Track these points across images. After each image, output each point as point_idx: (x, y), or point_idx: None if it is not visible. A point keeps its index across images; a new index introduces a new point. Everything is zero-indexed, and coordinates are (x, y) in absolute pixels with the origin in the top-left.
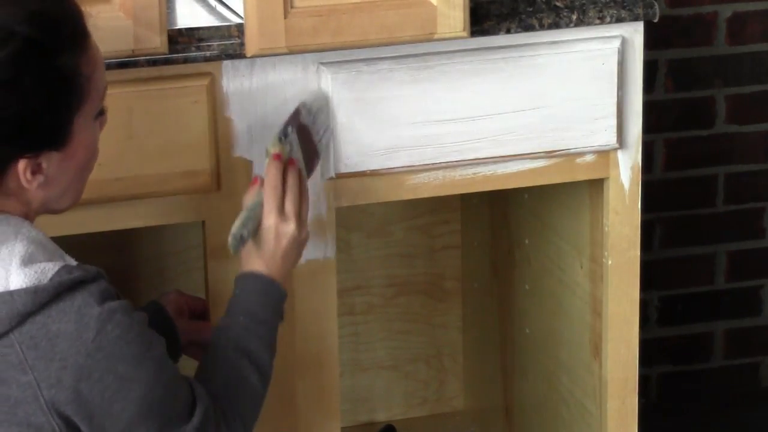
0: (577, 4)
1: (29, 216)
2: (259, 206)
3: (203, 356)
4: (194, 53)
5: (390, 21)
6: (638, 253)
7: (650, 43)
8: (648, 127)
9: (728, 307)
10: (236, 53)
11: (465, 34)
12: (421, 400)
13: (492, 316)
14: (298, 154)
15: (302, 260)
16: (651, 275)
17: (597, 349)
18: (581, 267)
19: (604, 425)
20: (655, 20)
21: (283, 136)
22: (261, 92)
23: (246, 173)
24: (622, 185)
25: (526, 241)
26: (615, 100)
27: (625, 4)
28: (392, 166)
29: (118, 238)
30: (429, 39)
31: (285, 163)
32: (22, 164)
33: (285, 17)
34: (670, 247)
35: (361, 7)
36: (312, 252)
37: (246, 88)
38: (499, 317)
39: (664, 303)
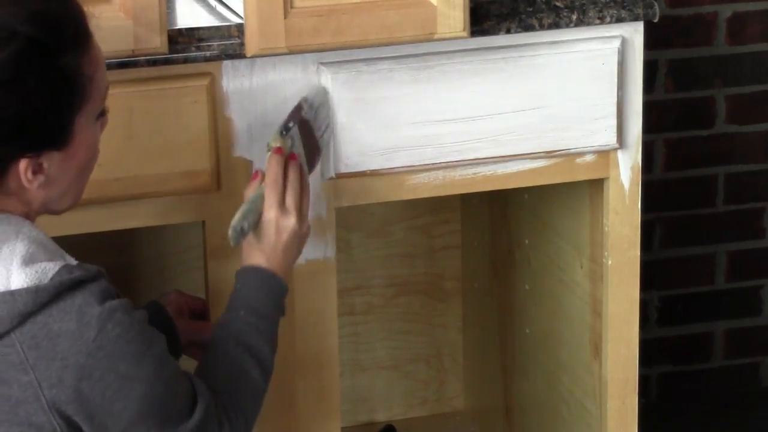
0: (577, 4)
1: (30, 216)
2: (259, 199)
3: (204, 352)
4: (194, 53)
5: (390, 21)
6: (638, 253)
7: (650, 43)
8: (648, 127)
9: (728, 307)
10: (236, 53)
11: (465, 34)
12: (421, 400)
13: (492, 316)
14: (299, 149)
15: (302, 260)
16: (651, 275)
17: (597, 349)
18: (581, 267)
19: (604, 425)
20: (655, 20)
21: (285, 130)
22: (261, 92)
23: (246, 173)
24: (622, 185)
25: (526, 241)
26: (615, 100)
27: (625, 4)
28: (392, 166)
29: (118, 238)
30: (429, 39)
31: (286, 158)
32: (23, 164)
33: (285, 17)
34: (670, 247)
35: (361, 7)
36: (312, 252)
37: (246, 88)
38: (499, 317)
39: (664, 303)
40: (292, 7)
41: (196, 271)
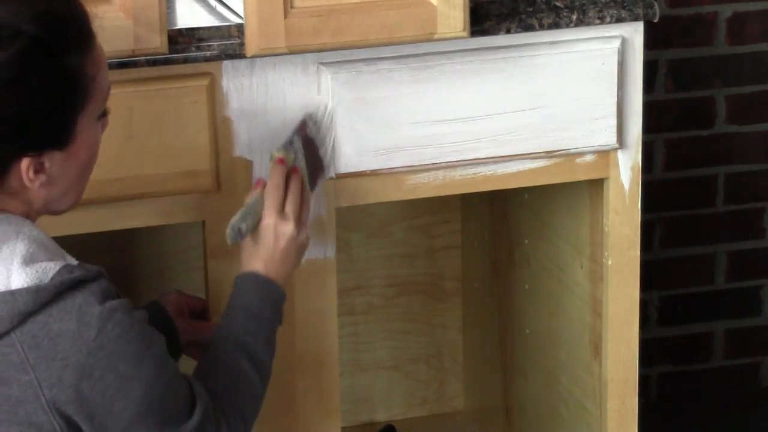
0: (577, 4)
1: (31, 216)
2: (259, 203)
3: (203, 354)
4: (194, 53)
5: (390, 21)
6: (638, 253)
7: (650, 43)
8: (648, 127)
9: (728, 307)
10: (236, 53)
11: (465, 34)
12: (421, 400)
13: (492, 316)
14: (302, 164)
15: (302, 260)
16: (651, 275)
17: (597, 349)
18: (581, 267)
19: (604, 425)
20: (655, 20)
21: (289, 144)
22: (261, 92)
23: (246, 173)
24: (622, 185)
25: (526, 241)
26: (615, 100)
27: (625, 4)
28: (392, 166)
29: (118, 238)
30: (429, 39)
31: (289, 170)
32: (25, 163)
33: (285, 17)
34: (670, 247)
35: (361, 7)
36: (312, 252)
37: (246, 88)
38: (499, 317)
39: (664, 303)
40: (292, 7)
41: (196, 271)
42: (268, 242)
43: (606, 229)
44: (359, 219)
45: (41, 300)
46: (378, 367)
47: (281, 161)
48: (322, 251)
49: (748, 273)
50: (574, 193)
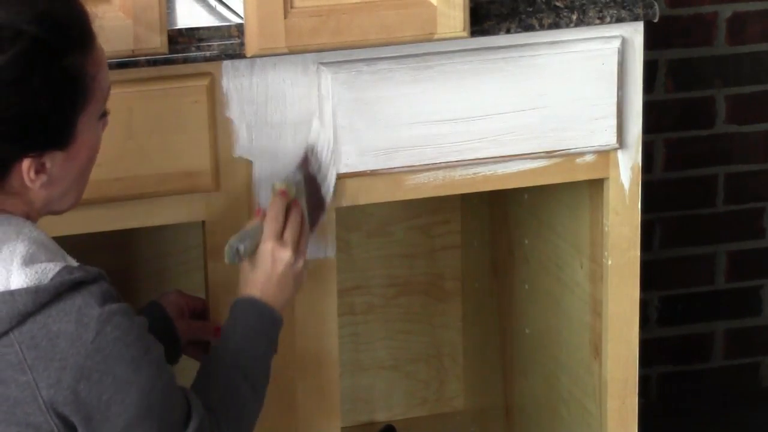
0: (577, 4)
1: (32, 216)
2: (258, 229)
3: (198, 373)
4: (194, 53)
5: (390, 21)
6: (638, 253)
7: (650, 43)
8: (648, 127)
9: (728, 307)
10: (236, 53)
11: (465, 34)
12: (421, 400)
13: (492, 316)
14: (302, 201)
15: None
16: (651, 275)
17: (597, 349)
18: (581, 267)
19: (604, 425)
20: (655, 20)
21: (292, 177)
22: (261, 92)
23: (246, 173)
24: (622, 185)
25: (526, 241)
26: (615, 100)
27: (625, 4)
28: (392, 166)
29: (118, 238)
30: (429, 39)
31: (290, 202)
32: (26, 163)
33: (285, 17)
34: (670, 247)
35: (361, 7)
36: (312, 252)
37: (246, 88)
38: (499, 317)
39: (664, 303)
40: (292, 7)
41: (196, 271)
42: (266, 267)
43: (606, 229)
44: (359, 219)
45: (40, 300)
46: (378, 367)
47: (283, 193)
48: (322, 251)
49: (748, 273)
50: (574, 193)
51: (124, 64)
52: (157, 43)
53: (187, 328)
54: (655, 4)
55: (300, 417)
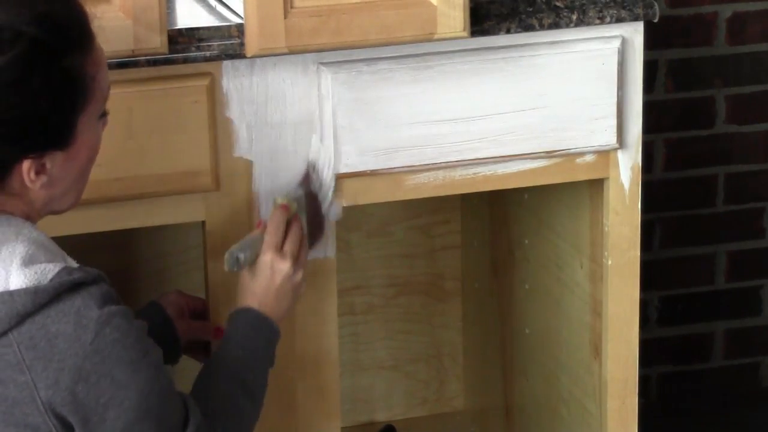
0: (577, 4)
1: (32, 216)
2: (259, 240)
3: (196, 380)
4: (194, 53)
5: (390, 21)
6: (638, 253)
7: (650, 43)
8: (648, 127)
9: (728, 307)
10: (236, 53)
11: (465, 34)
12: (421, 400)
13: (492, 316)
14: (302, 218)
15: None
16: (651, 275)
17: (597, 349)
18: (581, 267)
19: (604, 425)
20: (655, 20)
21: (293, 193)
22: (261, 92)
23: (246, 173)
24: (622, 185)
25: (526, 241)
26: (615, 100)
27: (625, 4)
28: (392, 166)
29: (118, 238)
30: (429, 39)
31: (290, 216)
32: (26, 164)
33: (285, 17)
34: (670, 247)
35: (361, 7)
36: (312, 252)
37: (246, 88)
38: (499, 317)
39: (664, 303)
40: (292, 7)
41: (196, 271)
42: (265, 278)
43: (606, 229)
44: (359, 219)
45: (39, 301)
46: (378, 367)
47: (284, 207)
48: (322, 251)
49: (748, 273)
50: (574, 193)
51: (124, 64)
52: (157, 43)
53: (187, 328)
54: (655, 4)
55: (300, 417)
